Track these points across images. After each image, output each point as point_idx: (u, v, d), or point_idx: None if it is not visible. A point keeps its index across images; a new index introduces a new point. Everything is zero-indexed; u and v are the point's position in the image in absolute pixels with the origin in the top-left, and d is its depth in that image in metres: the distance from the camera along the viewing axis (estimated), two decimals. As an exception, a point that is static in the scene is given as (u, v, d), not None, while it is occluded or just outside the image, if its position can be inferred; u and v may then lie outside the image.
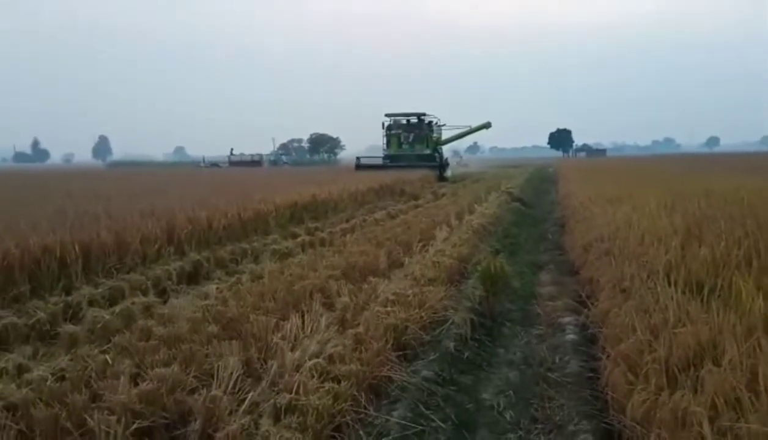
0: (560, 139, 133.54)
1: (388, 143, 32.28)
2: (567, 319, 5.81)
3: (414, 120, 32.75)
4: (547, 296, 6.87)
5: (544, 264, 8.80)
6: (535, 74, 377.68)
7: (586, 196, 13.15)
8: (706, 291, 4.41)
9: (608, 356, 4.06)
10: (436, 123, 33.47)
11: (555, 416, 3.92)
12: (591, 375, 4.40)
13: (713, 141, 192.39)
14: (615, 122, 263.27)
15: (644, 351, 3.65)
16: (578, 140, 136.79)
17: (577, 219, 10.99)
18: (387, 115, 32.52)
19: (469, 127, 34.61)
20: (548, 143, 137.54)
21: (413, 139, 32.06)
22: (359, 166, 29.32)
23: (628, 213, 8.71)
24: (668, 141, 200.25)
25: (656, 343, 3.63)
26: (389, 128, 32.39)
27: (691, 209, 7.99)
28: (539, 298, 6.84)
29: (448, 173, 31.79)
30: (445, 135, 34.80)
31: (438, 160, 30.97)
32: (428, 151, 31.51)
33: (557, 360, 4.86)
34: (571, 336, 5.34)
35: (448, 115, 32.23)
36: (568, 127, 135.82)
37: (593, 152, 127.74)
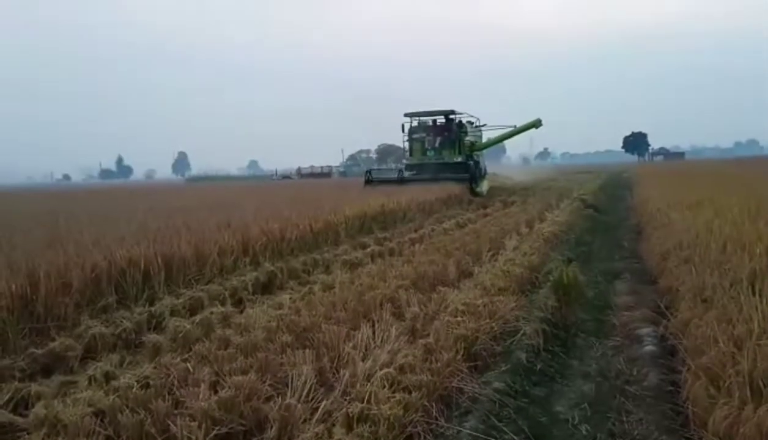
0: (635, 142, 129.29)
1: (411, 150, 25.78)
2: (645, 330, 5.62)
3: (442, 120, 25.81)
4: (624, 306, 6.66)
5: (620, 273, 8.53)
6: (609, 77, 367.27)
7: (663, 202, 12.70)
8: (794, 300, 4.18)
9: (689, 369, 3.92)
10: (474, 124, 27.44)
11: (633, 430, 3.79)
12: (671, 388, 4.24)
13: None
14: (694, 124, 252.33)
15: (727, 363, 3.50)
16: (655, 143, 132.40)
17: (655, 225, 10.62)
18: (407, 115, 25.75)
19: (514, 126, 27.42)
20: (623, 147, 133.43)
21: (440, 144, 25.27)
22: (369, 181, 23.37)
23: (709, 219, 8.34)
24: (752, 143, 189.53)
25: (740, 355, 3.48)
26: (412, 132, 25.86)
27: (777, 214, 7.57)
28: (615, 308, 6.64)
29: (484, 187, 25.26)
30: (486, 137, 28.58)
31: (470, 169, 23.83)
32: (459, 159, 24.66)
33: (635, 373, 4.71)
34: (649, 348, 5.16)
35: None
36: (643, 130, 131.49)
37: (671, 155, 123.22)
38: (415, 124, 26.09)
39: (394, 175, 24.48)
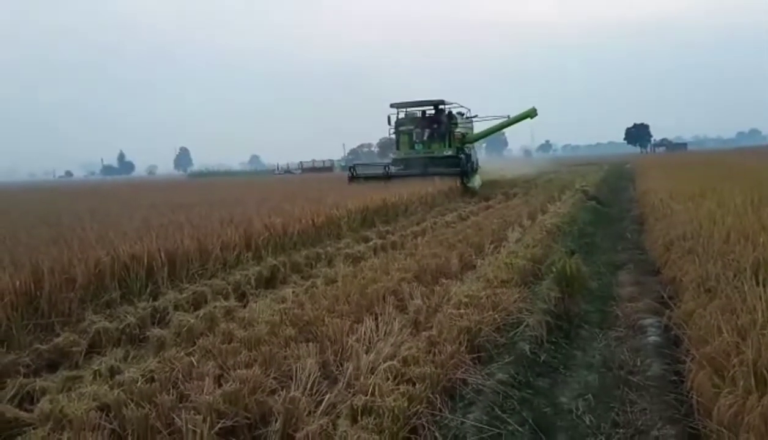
0: (637, 134, 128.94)
1: (398, 143, 24.22)
2: (648, 321, 5.63)
3: (431, 111, 24.14)
4: (627, 297, 6.67)
5: (623, 264, 8.53)
6: (611, 69, 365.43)
7: (666, 193, 12.67)
8: (798, 289, 4.17)
9: (693, 358, 3.91)
10: (465, 114, 25.66)
11: (637, 420, 3.81)
12: (675, 378, 4.25)
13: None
14: (696, 115, 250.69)
15: (731, 353, 3.50)
16: (657, 135, 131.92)
17: (657, 216, 10.61)
18: (393, 106, 23.99)
19: (508, 116, 25.27)
20: (625, 139, 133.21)
21: (429, 137, 23.60)
22: (354, 178, 21.61)
23: (711, 209, 8.32)
24: (754, 132, 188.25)
25: (744, 345, 3.47)
26: (399, 124, 24.05)
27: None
28: (618, 299, 6.64)
29: (476, 182, 23.38)
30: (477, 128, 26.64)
31: (461, 164, 22.15)
32: (449, 152, 23.09)
33: (639, 363, 4.72)
34: (653, 339, 5.17)
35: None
36: (645, 122, 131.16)
37: (673, 147, 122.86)
38: (402, 115, 24.35)
39: (380, 172, 21.95)
